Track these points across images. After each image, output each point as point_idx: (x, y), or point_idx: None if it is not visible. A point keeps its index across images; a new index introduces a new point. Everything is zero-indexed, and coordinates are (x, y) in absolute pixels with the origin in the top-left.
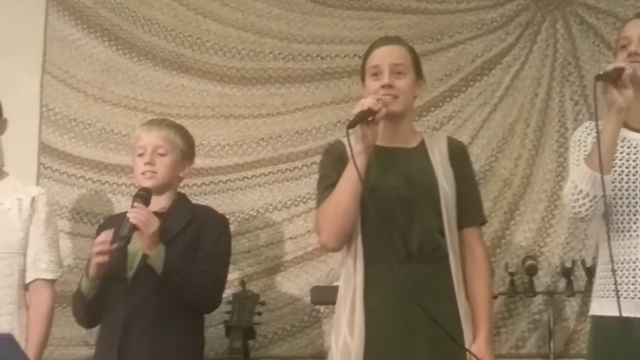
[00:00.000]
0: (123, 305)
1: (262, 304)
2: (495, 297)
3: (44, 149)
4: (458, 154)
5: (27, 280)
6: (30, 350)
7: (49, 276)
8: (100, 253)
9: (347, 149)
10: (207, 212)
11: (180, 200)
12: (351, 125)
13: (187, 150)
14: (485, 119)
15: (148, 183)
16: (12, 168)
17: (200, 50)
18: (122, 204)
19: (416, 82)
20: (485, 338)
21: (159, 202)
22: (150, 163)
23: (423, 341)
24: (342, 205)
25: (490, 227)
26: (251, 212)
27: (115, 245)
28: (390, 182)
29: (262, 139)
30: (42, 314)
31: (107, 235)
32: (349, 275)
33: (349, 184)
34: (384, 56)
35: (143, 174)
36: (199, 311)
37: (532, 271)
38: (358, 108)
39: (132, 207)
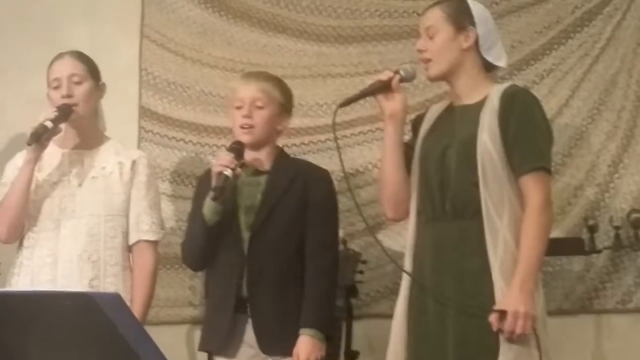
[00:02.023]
0: (240, 260)
1: (364, 262)
2: (599, 251)
3: (144, 112)
4: (508, 103)
5: (130, 242)
6: (135, 311)
7: (152, 237)
8: (222, 165)
9: (426, 117)
10: (310, 167)
11: (281, 155)
12: (342, 104)
13: (285, 103)
14: (587, 71)
15: (246, 138)
16: (114, 132)
17: (296, 10)
18: None
19: (454, 36)
20: (515, 288)
21: (258, 158)
22: (248, 116)
23: (451, 303)
24: (383, 177)
25: (593, 180)
26: (350, 171)
27: (238, 170)
28: (441, 142)
29: None
30: (146, 275)
31: (229, 154)
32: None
33: (383, 156)
34: (420, 24)
35: (241, 127)
36: None
37: (638, 224)
38: (369, 82)
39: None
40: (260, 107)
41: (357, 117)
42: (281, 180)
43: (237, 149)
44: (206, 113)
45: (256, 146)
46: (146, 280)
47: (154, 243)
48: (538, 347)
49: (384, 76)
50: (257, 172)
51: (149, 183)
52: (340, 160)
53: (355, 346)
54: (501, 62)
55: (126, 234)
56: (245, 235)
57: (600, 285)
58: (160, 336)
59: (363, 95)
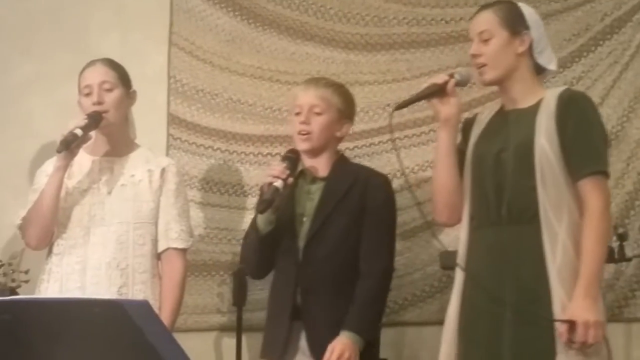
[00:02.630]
0: (295, 268)
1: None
2: (629, 259)
3: (173, 120)
4: (565, 107)
5: (159, 250)
6: (164, 318)
7: (180, 245)
8: (273, 175)
9: (476, 122)
10: (369, 173)
11: (340, 161)
12: (397, 107)
13: (344, 109)
14: (616, 79)
15: (304, 145)
16: (142, 140)
17: (324, 17)
18: (250, 173)
19: (509, 41)
20: (580, 296)
21: (317, 165)
22: (305, 122)
23: (508, 308)
24: (437, 182)
25: (623, 188)
26: None
27: (289, 180)
28: (495, 147)
29: (388, 105)
30: (175, 283)
31: (281, 164)
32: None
33: (436, 160)
34: (472, 28)
35: (299, 133)
36: None
37: None
38: (423, 86)
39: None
40: (318, 114)
41: (385, 124)
42: (338, 188)
43: (291, 157)
44: (234, 120)
45: (314, 153)
46: (175, 288)
47: (183, 251)
48: (608, 352)
49: (439, 79)
50: (315, 180)
51: (178, 191)
52: (399, 160)
53: (382, 354)
54: (552, 65)
55: (155, 242)
56: (301, 243)
57: (630, 293)
58: (189, 343)
59: (418, 98)
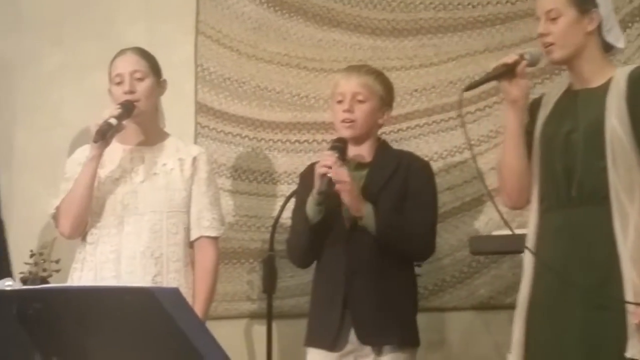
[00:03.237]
0: (344, 254)
1: None
2: None
3: (201, 108)
4: (635, 86)
5: (192, 238)
6: (198, 306)
7: (213, 233)
8: (325, 166)
9: (543, 101)
10: (411, 158)
11: (382, 147)
12: (467, 88)
13: (386, 96)
14: None
15: (347, 132)
16: (170, 128)
17: (350, 3)
18: (278, 160)
19: (578, 20)
20: None
21: (360, 152)
22: (349, 110)
23: (578, 291)
24: (504, 165)
25: None
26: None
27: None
28: (564, 127)
29: (416, 90)
30: (208, 271)
31: (332, 154)
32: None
33: (504, 142)
34: (539, 6)
35: (342, 121)
36: (415, 260)
37: None
38: (493, 66)
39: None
40: (361, 101)
41: (413, 110)
42: (382, 174)
43: (340, 147)
44: (262, 108)
45: (358, 140)
46: (208, 276)
47: (215, 239)
48: None
49: (509, 59)
50: (359, 166)
51: (209, 179)
52: (466, 135)
53: None
54: (620, 43)
55: (187, 230)
56: (348, 230)
57: None
58: (219, 330)
59: (489, 79)
